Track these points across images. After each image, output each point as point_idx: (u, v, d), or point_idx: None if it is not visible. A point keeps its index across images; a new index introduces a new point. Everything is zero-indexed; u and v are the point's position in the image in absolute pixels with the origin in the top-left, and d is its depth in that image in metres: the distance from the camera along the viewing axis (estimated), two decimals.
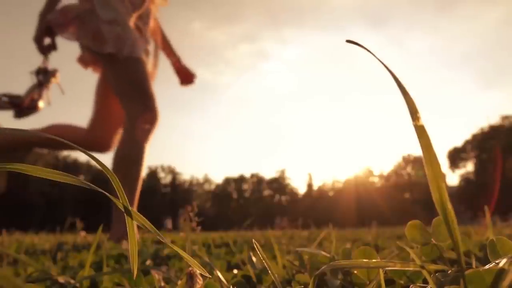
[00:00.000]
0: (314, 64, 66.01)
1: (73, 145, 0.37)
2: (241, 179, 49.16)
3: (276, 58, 65.31)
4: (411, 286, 0.47)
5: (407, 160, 45.29)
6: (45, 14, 2.05)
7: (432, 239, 0.50)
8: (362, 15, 63.67)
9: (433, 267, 0.33)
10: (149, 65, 2.23)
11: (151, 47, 2.28)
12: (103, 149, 2.21)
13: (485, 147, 37.59)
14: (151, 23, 2.25)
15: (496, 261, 0.35)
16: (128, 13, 2.06)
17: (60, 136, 2.34)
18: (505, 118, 38.60)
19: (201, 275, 0.45)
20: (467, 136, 45.10)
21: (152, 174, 44.28)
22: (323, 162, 63.41)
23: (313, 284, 0.37)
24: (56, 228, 3.43)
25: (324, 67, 65.65)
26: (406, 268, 0.36)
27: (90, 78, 2.32)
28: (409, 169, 45.09)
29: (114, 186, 0.37)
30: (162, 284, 0.64)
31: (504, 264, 0.31)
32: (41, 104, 2.08)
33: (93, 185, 0.37)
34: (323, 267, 0.35)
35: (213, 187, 50.00)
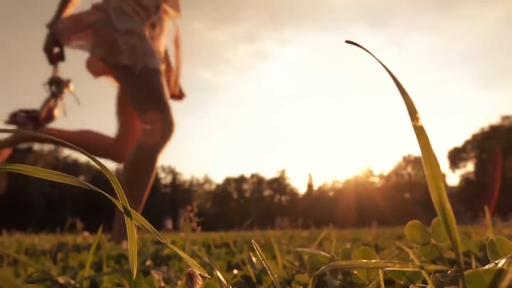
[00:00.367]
0: (314, 64, 66.05)
1: (73, 146, 0.37)
2: (241, 179, 49.16)
3: (276, 58, 65.37)
4: (410, 286, 0.47)
5: (408, 160, 45.29)
6: (54, 23, 2.04)
7: (432, 239, 0.50)
8: (362, 15, 63.71)
9: (432, 267, 0.33)
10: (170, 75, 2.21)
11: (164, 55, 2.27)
12: (124, 160, 2.21)
13: (485, 147, 37.58)
14: (166, 31, 2.23)
15: (496, 262, 0.35)
16: (143, 22, 2.03)
17: (87, 142, 2.33)
18: (505, 118, 38.60)
19: (201, 275, 0.45)
20: (467, 136, 45.12)
21: None
22: (323, 162, 63.45)
23: (313, 284, 0.37)
24: (56, 229, 3.43)
25: (324, 67, 65.68)
26: (405, 269, 0.36)
27: (103, 86, 2.32)
28: (409, 169, 45.09)
29: (114, 187, 0.37)
30: (162, 284, 0.64)
31: (503, 264, 0.31)
32: (56, 113, 2.10)
33: (92, 186, 0.37)
34: (322, 268, 0.35)
35: (213, 187, 50.01)
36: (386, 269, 0.46)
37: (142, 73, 1.96)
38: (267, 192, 49.14)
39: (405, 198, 42.92)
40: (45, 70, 2.13)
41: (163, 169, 46.68)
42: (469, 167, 40.11)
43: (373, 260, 0.49)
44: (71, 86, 2.13)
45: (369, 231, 3.90)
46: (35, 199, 34.95)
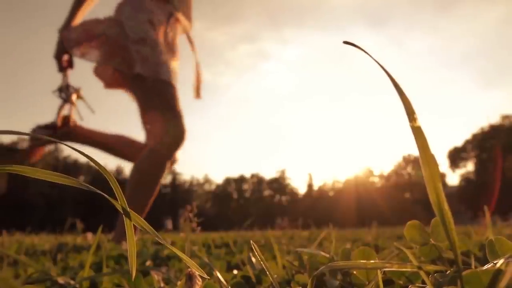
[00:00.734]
0: (314, 64, 66.05)
1: (74, 147, 0.37)
2: (241, 179, 49.16)
3: (276, 58, 65.40)
4: (410, 286, 0.47)
5: (408, 160, 45.29)
6: (65, 30, 2.03)
7: (431, 240, 0.50)
8: (362, 15, 63.73)
9: (430, 267, 0.33)
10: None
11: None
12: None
13: (485, 146, 37.59)
14: (179, 39, 2.22)
15: (494, 262, 0.35)
16: (156, 32, 2.01)
17: (117, 146, 2.32)
18: (505, 117, 38.61)
19: (201, 276, 0.45)
20: (467, 135, 45.15)
21: None
22: (323, 162, 63.46)
23: (312, 284, 0.37)
24: (56, 229, 3.43)
25: (324, 67, 65.70)
26: (404, 269, 0.36)
27: (115, 93, 2.30)
28: (409, 169, 45.09)
29: (113, 188, 0.37)
30: (162, 284, 0.64)
31: (501, 264, 0.31)
32: (73, 119, 2.12)
33: (91, 187, 0.37)
34: (321, 268, 0.35)
35: (213, 187, 50.02)
36: (385, 269, 0.46)
37: (154, 83, 1.94)
38: (267, 192, 49.14)
39: (405, 198, 42.93)
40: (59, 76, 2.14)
41: None
42: (469, 167, 40.14)
43: (372, 261, 0.49)
44: (81, 93, 2.13)
45: (369, 231, 3.91)
46: (35, 199, 34.96)
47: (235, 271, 0.83)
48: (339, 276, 0.56)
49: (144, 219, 0.40)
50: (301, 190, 52.07)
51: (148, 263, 1.05)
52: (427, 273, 0.39)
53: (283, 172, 49.48)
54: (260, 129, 64.77)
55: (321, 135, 64.46)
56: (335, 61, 65.62)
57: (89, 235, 2.74)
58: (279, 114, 66.02)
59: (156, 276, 0.64)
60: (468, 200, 35.78)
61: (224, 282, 0.58)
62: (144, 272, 0.68)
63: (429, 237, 0.50)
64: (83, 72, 2.23)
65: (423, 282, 0.48)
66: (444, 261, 0.49)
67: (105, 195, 0.38)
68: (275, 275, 0.71)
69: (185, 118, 2.03)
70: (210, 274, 0.73)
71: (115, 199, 0.38)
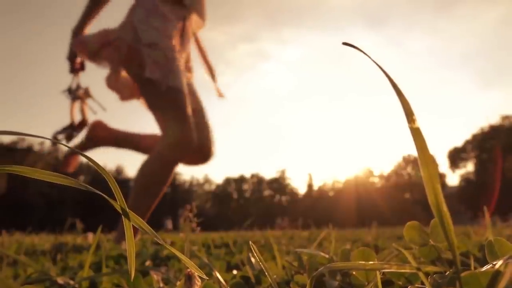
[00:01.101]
0: (314, 64, 66.06)
1: (75, 150, 0.37)
2: (241, 179, 49.17)
3: (275, 58, 65.37)
4: (409, 287, 0.47)
5: (408, 160, 45.30)
6: (78, 31, 2.02)
7: (430, 240, 0.50)
8: (361, 16, 63.73)
9: (429, 268, 0.33)
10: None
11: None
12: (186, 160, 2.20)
13: (485, 147, 37.60)
14: (191, 42, 2.21)
15: (493, 263, 0.35)
16: (169, 36, 2.00)
17: (144, 143, 2.31)
18: (505, 118, 38.61)
19: (200, 276, 0.45)
20: (467, 136, 45.10)
21: None
22: (323, 162, 63.45)
23: (311, 285, 0.37)
24: (55, 229, 3.43)
25: (324, 67, 65.68)
26: (403, 270, 0.36)
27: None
28: (409, 169, 45.10)
29: (112, 188, 0.37)
30: (161, 285, 0.64)
31: (500, 266, 0.31)
32: (88, 117, 2.15)
33: (90, 187, 0.37)
34: (320, 269, 0.35)
35: (213, 187, 50.02)
36: (384, 270, 0.46)
37: (162, 89, 1.93)
38: (267, 192, 49.15)
39: (405, 198, 42.93)
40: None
41: None
42: (469, 167, 40.15)
43: (371, 262, 0.49)
44: (91, 92, 2.14)
45: (369, 231, 3.91)
46: (35, 199, 34.97)
47: (234, 272, 0.83)
48: (338, 276, 0.56)
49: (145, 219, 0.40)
50: (301, 190, 52.10)
51: (147, 263, 1.05)
52: (426, 274, 0.39)
53: (283, 172, 49.50)
54: (260, 129, 64.78)
55: (320, 135, 64.49)
56: (335, 61, 65.67)
57: (90, 235, 2.73)
58: (279, 114, 66.03)
59: (155, 276, 0.64)
60: (468, 200, 35.79)
61: (224, 283, 0.58)
62: (143, 272, 0.68)
63: (428, 238, 0.50)
64: (95, 72, 2.23)
65: (423, 283, 0.48)
66: (443, 262, 0.49)
67: (104, 195, 0.38)
68: (275, 276, 0.71)
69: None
70: (210, 274, 0.73)
71: (115, 199, 0.38)
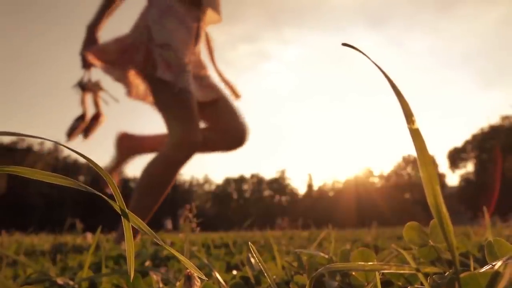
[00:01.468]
0: (314, 64, 66.08)
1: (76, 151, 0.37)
2: (241, 180, 49.15)
3: (276, 58, 65.41)
4: (408, 287, 0.47)
5: (407, 161, 45.30)
6: (94, 28, 2.02)
7: (430, 241, 0.50)
8: (362, 16, 63.77)
9: (428, 269, 0.33)
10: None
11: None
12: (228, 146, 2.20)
13: (485, 147, 37.60)
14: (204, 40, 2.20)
15: (493, 263, 0.35)
16: (183, 36, 2.00)
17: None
18: (505, 118, 38.60)
19: (200, 276, 0.45)
20: (467, 136, 45.13)
21: None
22: (323, 162, 63.47)
23: (310, 285, 0.37)
24: (55, 229, 3.43)
25: (325, 67, 65.71)
26: (402, 271, 0.36)
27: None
28: (409, 169, 45.10)
29: (111, 188, 0.37)
30: (161, 285, 0.64)
31: (500, 266, 0.31)
32: (101, 109, 2.15)
33: (90, 188, 0.37)
34: (320, 269, 0.35)
35: (213, 187, 50.01)
36: (383, 271, 0.46)
37: (171, 89, 1.93)
38: (267, 193, 49.13)
39: (405, 199, 42.93)
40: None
41: None
42: (469, 167, 40.14)
43: (370, 262, 0.49)
44: (102, 85, 2.13)
45: (369, 231, 3.91)
46: (35, 199, 34.95)
47: (234, 272, 0.83)
48: (338, 277, 0.56)
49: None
50: (301, 190, 52.12)
51: (147, 263, 1.05)
52: (426, 275, 0.39)
53: (283, 172, 49.50)
54: (260, 129, 64.74)
55: (321, 135, 64.50)
56: (335, 62, 65.69)
57: (89, 235, 2.73)
58: (279, 114, 66.03)
59: (155, 276, 0.64)
60: (468, 200, 35.78)
61: (223, 283, 0.58)
62: (143, 273, 0.68)
63: (428, 238, 0.50)
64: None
65: (422, 284, 0.48)
66: (443, 263, 0.49)
67: (103, 196, 0.38)
68: (274, 276, 0.71)
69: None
70: (209, 274, 0.73)
71: (114, 200, 0.38)
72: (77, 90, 2.10)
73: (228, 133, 2.14)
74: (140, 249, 1.33)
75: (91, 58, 2.01)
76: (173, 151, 1.95)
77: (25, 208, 32.98)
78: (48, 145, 39.76)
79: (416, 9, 62.18)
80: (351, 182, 45.39)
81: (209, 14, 2.13)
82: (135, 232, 1.80)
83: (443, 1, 62.05)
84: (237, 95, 2.28)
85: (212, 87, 2.17)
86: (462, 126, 61.52)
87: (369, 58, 0.30)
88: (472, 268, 0.56)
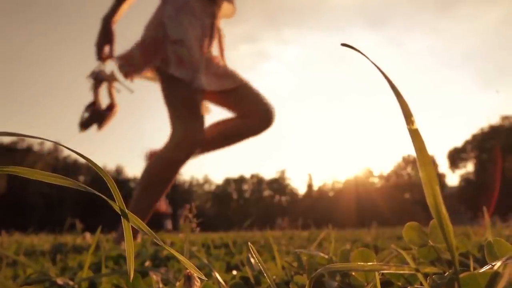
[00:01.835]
0: (314, 64, 66.07)
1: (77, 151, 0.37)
2: (241, 180, 49.15)
3: (276, 58, 65.38)
4: (408, 287, 0.47)
5: (407, 161, 45.30)
6: (109, 19, 2.02)
7: (430, 241, 0.50)
8: (362, 16, 63.76)
9: (428, 269, 0.33)
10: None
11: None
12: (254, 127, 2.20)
13: (485, 147, 37.60)
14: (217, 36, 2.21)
15: (492, 264, 0.35)
16: (197, 33, 2.01)
17: (223, 130, 2.18)
18: (505, 118, 38.61)
19: (199, 277, 0.45)
20: (467, 136, 45.11)
21: None
22: (323, 163, 63.47)
23: (310, 286, 0.37)
24: (55, 229, 3.43)
25: (324, 67, 65.69)
26: (402, 271, 0.36)
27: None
28: (409, 169, 45.10)
29: (110, 188, 0.37)
30: (161, 285, 0.64)
31: (499, 267, 0.31)
32: (115, 100, 2.13)
33: (89, 188, 0.37)
34: (319, 269, 0.35)
35: (213, 187, 50.01)
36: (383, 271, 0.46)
37: (184, 86, 1.94)
38: (267, 193, 49.13)
39: (405, 199, 42.93)
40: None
41: None
42: (469, 167, 40.14)
43: (370, 262, 0.49)
44: (116, 76, 2.12)
45: (369, 231, 3.91)
46: (35, 199, 34.95)
47: (234, 272, 0.83)
48: (337, 277, 0.56)
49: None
50: (301, 190, 52.13)
51: (147, 263, 1.05)
52: (425, 275, 0.39)
53: (283, 172, 49.49)
54: None
55: (320, 135, 64.48)
56: (335, 62, 65.67)
57: (87, 235, 2.73)
58: (279, 114, 65.27)
59: (154, 276, 0.64)
60: (467, 200, 35.79)
61: (223, 283, 0.58)
62: (143, 273, 0.68)
63: (427, 238, 0.50)
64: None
65: (422, 284, 0.48)
66: (442, 263, 0.49)
67: (103, 196, 0.38)
68: (274, 276, 0.71)
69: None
70: (209, 275, 0.73)
71: (114, 200, 0.38)
72: (91, 80, 2.09)
73: (255, 115, 2.15)
74: (140, 249, 1.33)
75: (128, 71, 2.00)
76: (173, 150, 1.95)
77: (25, 208, 32.98)
78: (48, 145, 39.77)
79: (416, 9, 62.20)
80: (351, 182, 45.39)
81: (224, 6, 2.14)
82: (135, 232, 1.81)
83: (443, 1, 62.06)
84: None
85: (229, 76, 2.16)
86: (462, 126, 61.51)
87: (368, 58, 0.30)
88: (471, 268, 0.56)
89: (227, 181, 49.19)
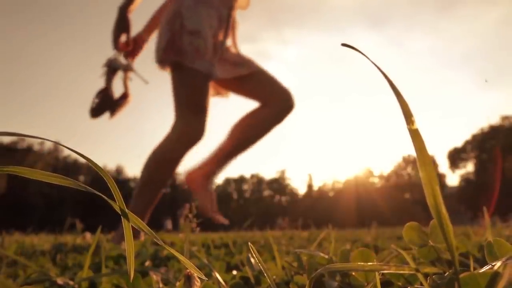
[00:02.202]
0: (315, 64, 66.10)
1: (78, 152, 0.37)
2: (241, 180, 49.14)
3: (276, 58, 65.41)
4: (408, 287, 0.47)
5: (407, 161, 45.29)
6: (125, 9, 2.00)
7: (430, 241, 0.50)
8: (362, 16, 63.77)
9: (428, 269, 0.33)
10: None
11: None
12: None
13: (485, 147, 37.60)
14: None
15: (492, 264, 0.35)
16: (214, 24, 2.01)
17: (248, 128, 2.25)
18: (505, 118, 38.61)
19: (199, 277, 0.45)
20: (467, 136, 45.10)
21: None
22: (323, 163, 63.48)
23: (310, 286, 0.37)
24: (55, 229, 3.42)
25: (325, 67, 65.73)
26: (402, 271, 0.36)
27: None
28: (409, 169, 45.09)
29: (110, 188, 0.37)
30: (161, 285, 0.64)
31: (499, 267, 0.31)
32: (129, 90, 2.10)
33: (89, 188, 0.37)
34: (319, 269, 0.35)
35: (213, 187, 49.97)
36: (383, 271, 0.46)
37: (195, 75, 1.94)
38: (267, 193, 49.13)
39: (405, 199, 42.93)
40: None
41: None
42: (469, 167, 40.15)
43: (370, 262, 0.49)
44: (133, 66, 2.10)
45: (369, 231, 3.90)
46: (35, 199, 34.95)
47: (234, 272, 0.83)
48: (337, 277, 0.56)
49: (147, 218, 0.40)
50: (301, 190, 52.11)
51: (147, 263, 1.05)
52: (425, 275, 0.39)
53: (283, 172, 49.50)
54: None
55: (321, 136, 64.49)
56: (335, 62, 65.68)
57: (87, 235, 2.73)
58: None
59: (155, 276, 0.64)
60: (468, 200, 35.78)
61: (223, 283, 0.58)
62: (143, 273, 0.68)
63: (427, 238, 0.50)
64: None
65: (422, 284, 0.48)
66: (442, 263, 0.49)
67: (103, 196, 0.38)
68: (274, 276, 0.71)
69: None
70: (209, 274, 0.73)
71: (115, 200, 0.38)
72: (105, 68, 2.06)
73: (274, 102, 2.13)
74: (140, 249, 1.33)
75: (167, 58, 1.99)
76: (172, 145, 1.96)
77: (25, 208, 32.97)
78: (48, 145, 39.77)
79: (416, 9, 62.21)
80: (351, 182, 45.39)
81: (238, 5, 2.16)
82: (136, 231, 1.81)
83: (443, 1, 62.07)
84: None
85: (244, 63, 2.16)
86: (462, 126, 61.52)
87: (368, 58, 0.30)
88: (471, 269, 0.56)
89: (227, 181, 49.17)
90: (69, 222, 3.09)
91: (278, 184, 48.97)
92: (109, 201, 0.38)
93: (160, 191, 2.01)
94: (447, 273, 0.38)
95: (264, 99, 2.16)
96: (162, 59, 2.00)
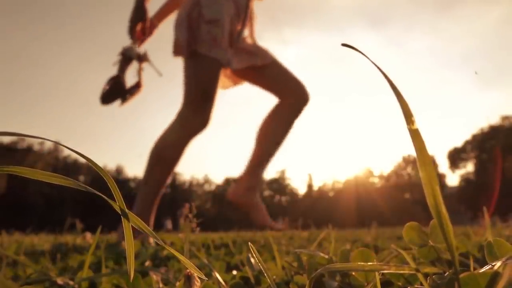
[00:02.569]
0: (315, 64, 66.08)
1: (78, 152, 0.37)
2: None
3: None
4: (408, 287, 0.47)
5: (407, 161, 45.29)
6: None
7: (430, 241, 0.50)
8: (362, 16, 63.78)
9: (428, 269, 0.33)
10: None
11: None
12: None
13: (485, 147, 37.60)
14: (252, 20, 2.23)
15: (492, 264, 0.35)
16: (231, 17, 2.02)
17: (272, 129, 2.19)
18: (505, 118, 38.60)
19: (200, 277, 0.45)
20: (467, 136, 45.10)
21: None
22: (323, 163, 63.47)
23: (310, 286, 0.37)
24: (55, 229, 3.42)
25: (325, 67, 65.71)
26: (402, 271, 0.36)
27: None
28: (409, 169, 45.09)
29: (111, 188, 0.37)
30: (161, 285, 0.64)
31: (499, 267, 0.31)
32: (142, 81, 2.09)
33: (89, 188, 0.37)
34: (319, 269, 0.35)
35: (213, 187, 50.01)
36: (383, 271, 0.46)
37: (210, 64, 1.96)
38: (267, 193, 49.12)
39: (405, 199, 42.92)
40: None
41: None
42: (469, 167, 40.14)
43: (370, 262, 0.49)
44: (148, 56, 2.09)
45: (369, 231, 3.90)
46: (35, 199, 34.95)
47: (234, 272, 0.83)
48: (337, 277, 0.56)
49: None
50: (301, 190, 52.11)
51: (147, 263, 1.05)
52: (425, 275, 0.39)
53: (283, 172, 49.50)
54: None
55: (320, 136, 64.49)
56: (335, 62, 65.66)
57: (88, 235, 2.73)
58: None
59: (155, 276, 0.64)
60: (468, 200, 35.79)
61: (223, 283, 0.58)
62: (143, 273, 0.68)
63: (427, 238, 0.50)
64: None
65: (422, 284, 0.48)
66: (442, 263, 0.49)
67: (103, 196, 0.38)
68: (274, 276, 0.71)
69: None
70: (209, 274, 0.73)
71: (115, 200, 0.38)
72: (120, 58, 2.05)
73: (290, 94, 2.17)
74: (140, 249, 1.33)
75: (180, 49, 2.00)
76: (178, 128, 1.97)
77: (25, 208, 32.96)
78: (48, 145, 39.78)
79: (416, 9, 62.20)
80: (351, 182, 45.38)
81: None
82: (136, 232, 1.80)
83: (443, 1, 62.06)
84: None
85: (260, 53, 2.17)
86: (462, 126, 61.46)
87: (368, 58, 0.30)
88: (472, 269, 0.56)
89: (227, 181, 49.17)
90: (69, 222, 3.09)
91: (278, 184, 48.98)
92: (109, 201, 0.38)
93: (165, 183, 2.00)
94: (447, 273, 0.38)
95: (279, 91, 2.18)
96: (180, 47, 2.01)
